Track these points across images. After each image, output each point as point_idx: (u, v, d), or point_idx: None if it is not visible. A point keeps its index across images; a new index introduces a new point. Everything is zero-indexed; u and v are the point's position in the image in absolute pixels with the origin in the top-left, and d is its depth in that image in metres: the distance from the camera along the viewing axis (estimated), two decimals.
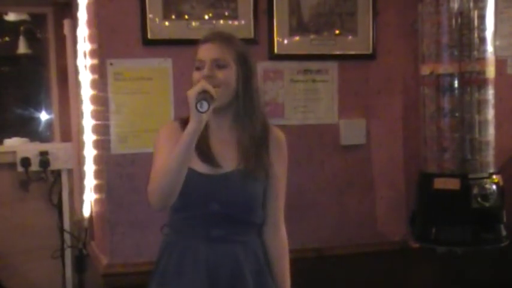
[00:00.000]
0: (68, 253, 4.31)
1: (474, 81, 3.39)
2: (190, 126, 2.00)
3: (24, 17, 5.39)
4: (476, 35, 3.37)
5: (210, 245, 2.18)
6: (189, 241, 2.20)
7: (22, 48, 5.52)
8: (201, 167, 2.17)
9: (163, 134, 2.24)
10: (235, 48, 2.21)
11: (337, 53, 3.66)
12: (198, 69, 2.16)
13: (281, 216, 2.33)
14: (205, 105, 1.97)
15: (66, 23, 4.43)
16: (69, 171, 4.35)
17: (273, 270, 2.29)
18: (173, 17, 3.39)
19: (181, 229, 2.24)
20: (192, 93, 1.99)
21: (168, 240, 2.28)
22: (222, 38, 2.22)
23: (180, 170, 2.03)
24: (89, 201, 3.94)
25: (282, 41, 3.56)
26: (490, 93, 3.43)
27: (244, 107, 2.21)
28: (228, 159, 2.20)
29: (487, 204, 3.33)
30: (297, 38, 3.60)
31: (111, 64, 3.33)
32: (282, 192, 2.32)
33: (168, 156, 2.05)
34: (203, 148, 2.17)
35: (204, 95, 1.99)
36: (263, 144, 2.24)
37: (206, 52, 2.17)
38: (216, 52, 2.16)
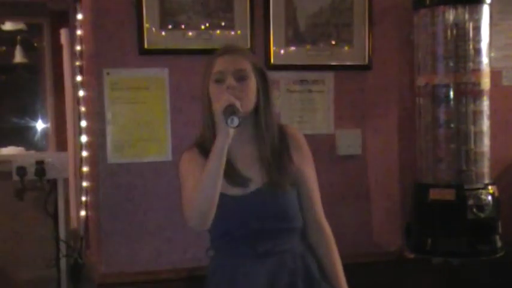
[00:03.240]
0: (63, 262, 4.30)
1: (469, 92, 3.40)
2: (219, 140, 2.01)
3: (20, 26, 5.41)
4: (471, 46, 3.39)
5: (259, 260, 2.18)
6: (238, 261, 2.21)
7: (18, 57, 5.54)
8: (231, 190, 2.18)
9: (186, 160, 2.25)
10: (252, 60, 2.23)
11: (334, 63, 3.67)
12: (218, 81, 2.16)
13: (321, 213, 2.35)
14: (236, 120, 1.99)
15: (63, 32, 4.44)
16: (65, 181, 4.35)
17: (324, 269, 2.31)
18: (170, 26, 3.39)
19: (228, 251, 2.24)
20: (219, 109, 2.01)
21: (216, 263, 2.28)
22: (239, 51, 2.24)
23: (215, 185, 2.03)
24: (85, 211, 3.93)
25: (278, 51, 3.57)
26: (485, 104, 3.44)
27: (265, 118, 2.22)
28: (255, 175, 2.21)
29: (482, 215, 3.33)
30: (293, 48, 3.61)
31: (107, 73, 3.33)
32: (315, 188, 2.34)
33: (200, 175, 2.06)
34: (230, 171, 2.17)
35: (232, 109, 2.00)
36: (284, 151, 2.26)
37: (226, 64, 2.16)
38: (237, 64, 2.17)
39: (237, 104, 2.02)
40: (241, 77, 2.15)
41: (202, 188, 2.04)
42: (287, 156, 2.26)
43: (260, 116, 2.21)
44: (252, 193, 2.19)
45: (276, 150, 2.24)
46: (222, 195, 2.10)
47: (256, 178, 2.21)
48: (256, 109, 2.21)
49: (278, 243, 2.21)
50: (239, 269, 2.20)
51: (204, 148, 2.18)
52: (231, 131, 2.01)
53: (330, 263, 2.33)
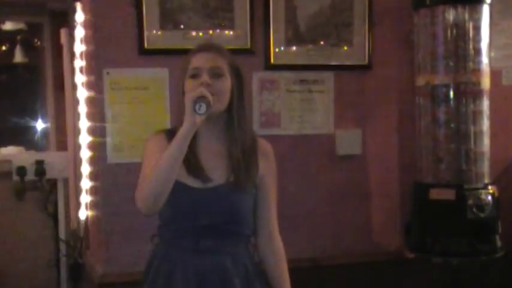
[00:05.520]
0: (63, 262, 4.30)
1: (469, 92, 3.40)
2: (184, 127, 2.02)
3: (20, 26, 5.41)
4: (471, 46, 3.39)
5: (199, 256, 2.18)
6: (178, 252, 2.21)
7: (18, 57, 5.54)
8: (190, 180, 2.18)
9: (151, 144, 2.26)
10: (229, 59, 2.23)
11: (334, 63, 3.67)
12: (194, 77, 2.17)
13: (275, 226, 2.34)
14: (203, 107, 2.00)
15: (63, 32, 4.43)
16: (65, 180, 4.36)
17: (270, 282, 2.30)
18: (170, 26, 3.39)
19: (171, 240, 2.24)
20: (190, 98, 2.01)
21: (158, 251, 2.29)
22: (216, 48, 2.24)
23: (171, 170, 2.04)
24: (85, 210, 3.93)
25: (278, 51, 3.57)
26: (485, 104, 3.44)
27: (238, 117, 2.22)
28: (218, 172, 2.21)
29: (482, 215, 3.33)
30: (294, 48, 3.61)
31: (107, 73, 3.33)
32: (273, 202, 2.33)
33: (159, 159, 2.06)
34: (193, 163, 2.17)
35: (203, 100, 2.01)
36: (252, 156, 2.26)
37: (203, 60, 2.18)
38: (213, 61, 2.18)
39: (209, 97, 2.03)
40: (216, 74, 2.16)
41: (158, 171, 2.04)
42: (254, 160, 2.26)
43: (233, 115, 2.21)
44: (211, 188, 2.19)
45: (246, 152, 2.24)
46: (182, 184, 2.12)
47: (219, 175, 2.20)
48: (229, 108, 2.21)
49: (222, 244, 2.21)
50: (179, 262, 2.20)
51: (172, 135, 2.18)
52: (198, 120, 2.00)
53: (277, 279, 2.32)
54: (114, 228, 3.36)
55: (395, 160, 3.83)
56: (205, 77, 2.14)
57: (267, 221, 2.31)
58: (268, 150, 2.32)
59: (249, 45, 3.49)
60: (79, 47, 3.85)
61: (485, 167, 3.46)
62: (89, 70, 3.60)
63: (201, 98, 2.01)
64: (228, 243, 2.22)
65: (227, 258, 2.21)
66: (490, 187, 3.42)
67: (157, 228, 2.28)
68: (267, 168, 2.30)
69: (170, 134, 2.21)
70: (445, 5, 3.38)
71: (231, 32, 3.49)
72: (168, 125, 3.36)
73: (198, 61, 2.18)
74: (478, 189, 3.38)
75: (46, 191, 4.37)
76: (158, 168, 2.05)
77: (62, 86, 4.56)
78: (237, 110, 2.22)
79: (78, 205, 4.06)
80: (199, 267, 2.18)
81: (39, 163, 4.22)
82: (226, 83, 2.19)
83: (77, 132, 3.96)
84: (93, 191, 3.70)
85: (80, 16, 3.74)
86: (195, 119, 2.00)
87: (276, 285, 2.31)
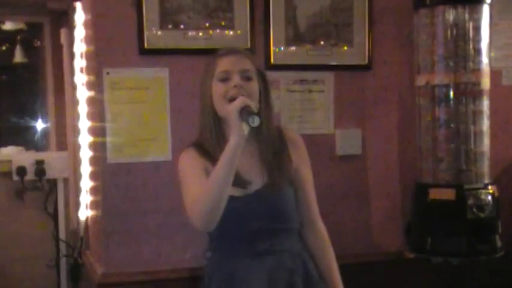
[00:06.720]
0: (63, 262, 4.31)
1: (469, 92, 3.40)
2: (234, 140, 2.01)
3: (20, 26, 5.41)
4: (471, 46, 3.39)
5: (258, 259, 2.21)
6: (237, 261, 2.22)
7: (18, 57, 5.54)
8: (231, 190, 2.16)
9: (186, 160, 2.25)
10: (255, 62, 2.25)
11: (334, 63, 3.67)
12: (224, 80, 2.17)
13: (316, 214, 2.40)
14: (257, 119, 1.98)
15: (63, 32, 4.44)
16: (65, 180, 4.36)
17: (319, 270, 2.34)
18: (170, 26, 3.39)
19: (226, 251, 2.26)
20: (234, 109, 2.01)
21: (214, 265, 2.30)
22: (242, 52, 2.28)
23: (226, 186, 2.04)
24: (85, 211, 3.93)
25: (278, 51, 3.57)
26: (485, 104, 3.44)
27: (266, 120, 2.23)
28: (254, 175, 2.23)
29: (482, 215, 3.33)
30: (293, 48, 3.61)
31: (107, 73, 3.33)
32: (311, 190, 2.39)
33: (202, 175, 2.08)
34: None
35: (248, 110, 1.99)
36: (283, 153, 2.27)
37: (231, 63, 2.18)
38: (242, 64, 2.19)
39: (252, 105, 2.04)
40: (246, 77, 2.17)
41: (214, 187, 2.04)
42: (286, 156, 2.28)
43: (261, 117, 2.22)
44: (252, 194, 2.21)
45: (276, 151, 2.25)
46: None
47: (256, 179, 2.22)
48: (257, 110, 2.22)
49: (276, 243, 2.23)
50: (238, 267, 2.21)
51: (203, 149, 2.19)
52: (246, 132, 2.00)
53: (325, 265, 2.37)
54: (114, 228, 3.36)
55: (396, 160, 3.83)
56: (237, 80, 2.14)
57: (308, 209, 2.36)
58: (296, 139, 2.36)
59: (249, 45, 3.49)
60: (79, 47, 3.85)
61: (485, 167, 3.46)
62: (89, 70, 3.60)
63: (246, 107, 2.00)
64: (281, 240, 2.24)
65: (285, 256, 2.24)
66: (490, 187, 3.42)
67: (209, 243, 2.30)
68: (299, 159, 2.34)
69: (199, 148, 2.23)
70: (445, 5, 3.38)
71: (231, 32, 3.48)
72: (167, 124, 3.37)
73: (227, 64, 2.18)
74: (478, 189, 3.38)
75: (46, 191, 4.37)
76: (212, 185, 2.05)
77: (62, 86, 4.56)
78: (265, 112, 2.23)
79: (78, 205, 4.06)
80: (259, 269, 2.20)
81: (39, 163, 4.23)
82: (256, 86, 2.20)
83: (77, 132, 3.95)
84: (93, 191, 3.70)
85: (80, 16, 3.74)
86: (243, 132, 2.00)
87: (325, 276, 2.34)
